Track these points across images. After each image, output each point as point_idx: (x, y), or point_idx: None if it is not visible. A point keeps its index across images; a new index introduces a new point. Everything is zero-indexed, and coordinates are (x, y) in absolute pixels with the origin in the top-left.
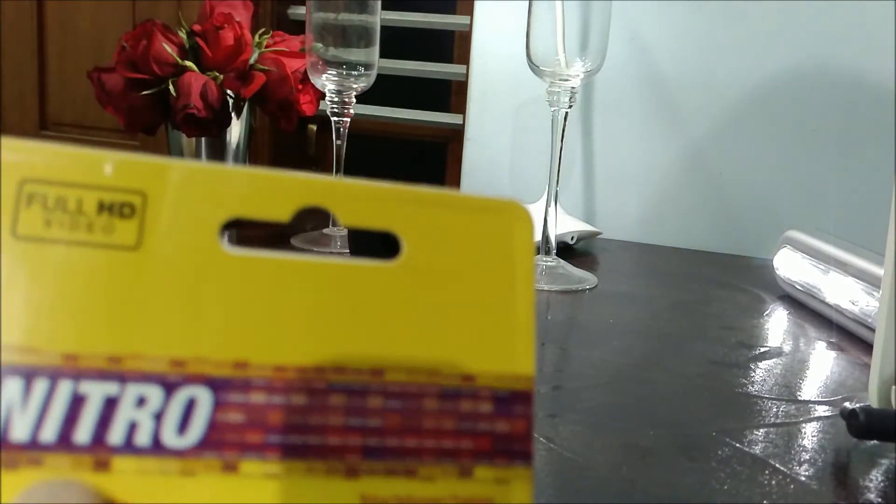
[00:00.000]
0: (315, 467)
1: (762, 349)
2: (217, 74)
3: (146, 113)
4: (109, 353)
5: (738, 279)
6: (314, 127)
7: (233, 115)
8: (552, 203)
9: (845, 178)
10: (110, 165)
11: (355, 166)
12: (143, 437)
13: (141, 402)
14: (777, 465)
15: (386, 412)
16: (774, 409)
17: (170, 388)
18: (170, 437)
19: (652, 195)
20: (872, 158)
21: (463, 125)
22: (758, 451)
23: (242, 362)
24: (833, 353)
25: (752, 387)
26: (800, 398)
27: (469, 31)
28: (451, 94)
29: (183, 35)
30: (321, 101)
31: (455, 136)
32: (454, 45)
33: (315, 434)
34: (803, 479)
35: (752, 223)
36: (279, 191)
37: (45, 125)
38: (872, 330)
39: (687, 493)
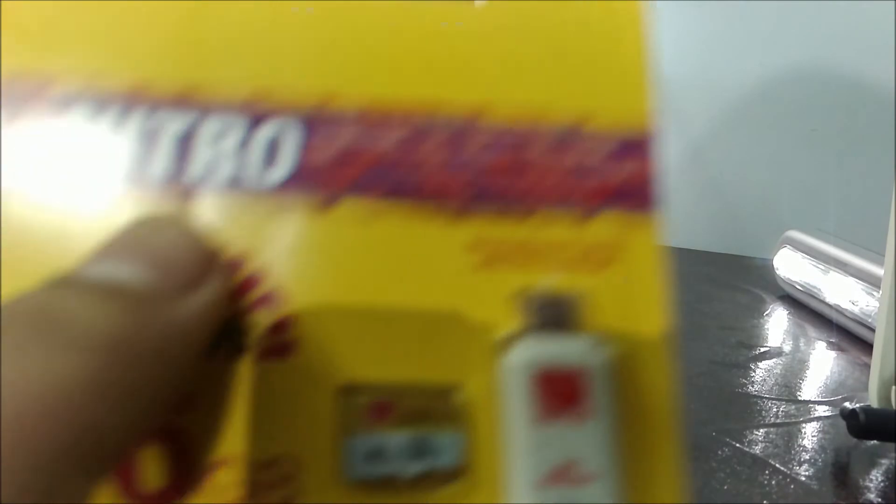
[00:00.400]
0: (419, 207)
1: (762, 349)
2: None
3: None
4: (183, 83)
5: (738, 279)
6: None
7: None
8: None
9: (845, 178)
10: None
11: None
12: (225, 172)
13: (221, 135)
14: (777, 465)
15: (492, 152)
16: (774, 409)
17: (253, 120)
18: (256, 173)
19: None
20: (872, 158)
21: None
22: (758, 451)
23: (331, 95)
24: (833, 353)
25: (752, 387)
26: (800, 398)
27: None
28: None
29: None
30: None
31: None
32: None
33: (415, 172)
34: (803, 479)
35: (752, 223)
36: None
37: None
38: (872, 330)
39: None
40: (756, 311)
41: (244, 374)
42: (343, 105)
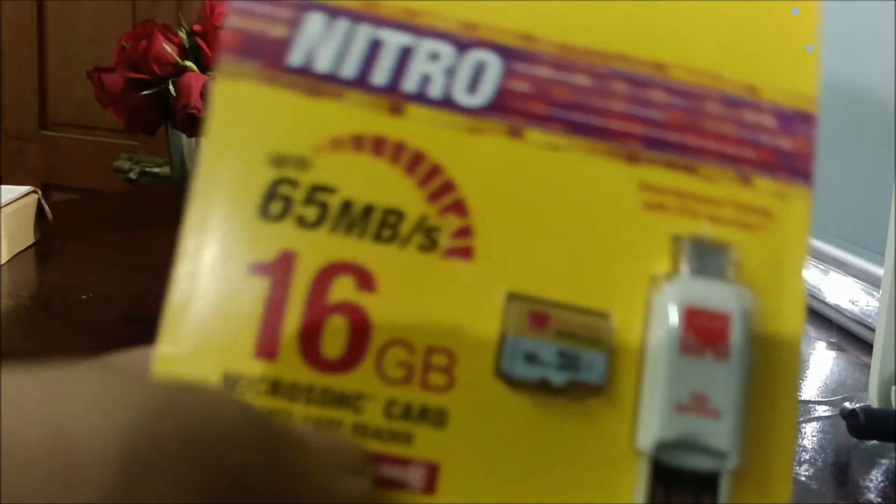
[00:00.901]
0: (597, 147)
1: None
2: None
3: (146, 113)
4: (406, 5)
5: None
6: None
7: None
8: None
9: (845, 178)
10: None
11: None
12: (435, 90)
13: (434, 57)
14: None
15: (668, 107)
16: None
17: (462, 47)
18: (461, 95)
19: None
20: (872, 158)
21: None
22: None
23: (529, 35)
24: (833, 353)
25: None
26: (800, 398)
27: None
28: None
29: (183, 35)
30: None
31: None
32: None
33: (597, 115)
34: (803, 479)
35: None
36: None
37: (45, 125)
38: (872, 330)
39: None
40: None
41: (426, 267)
42: (540, 46)
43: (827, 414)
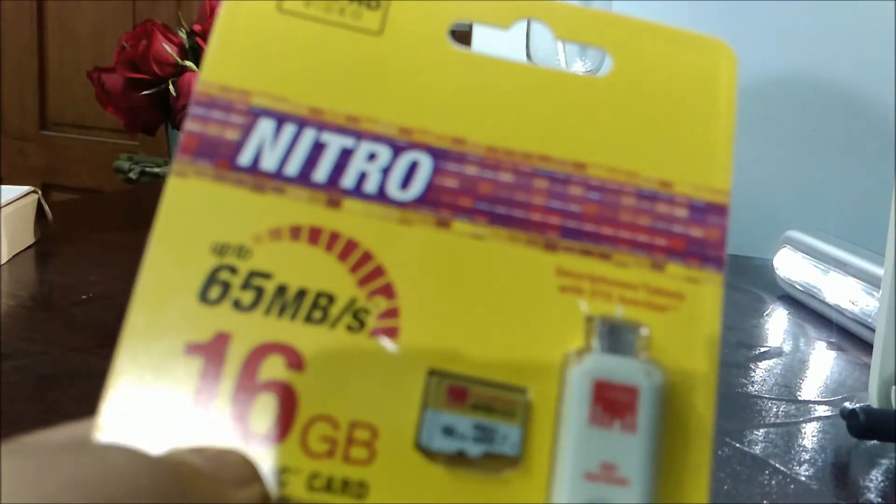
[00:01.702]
0: (517, 236)
1: (762, 349)
2: None
3: (146, 113)
4: (348, 113)
5: (738, 279)
6: None
7: None
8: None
9: (845, 178)
10: None
11: None
12: (370, 186)
13: (371, 157)
14: (777, 465)
15: (585, 201)
16: (774, 409)
17: (397, 150)
18: (393, 190)
19: None
20: (872, 158)
21: None
22: (758, 451)
23: (460, 139)
24: (833, 353)
25: (752, 387)
26: (800, 398)
27: (469, 31)
28: None
29: (183, 35)
30: None
31: None
32: None
33: (519, 209)
34: (803, 479)
35: (752, 223)
36: (503, 3)
37: (45, 125)
38: (872, 330)
39: None
40: (756, 311)
41: (353, 346)
42: (469, 148)
43: (827, 414)
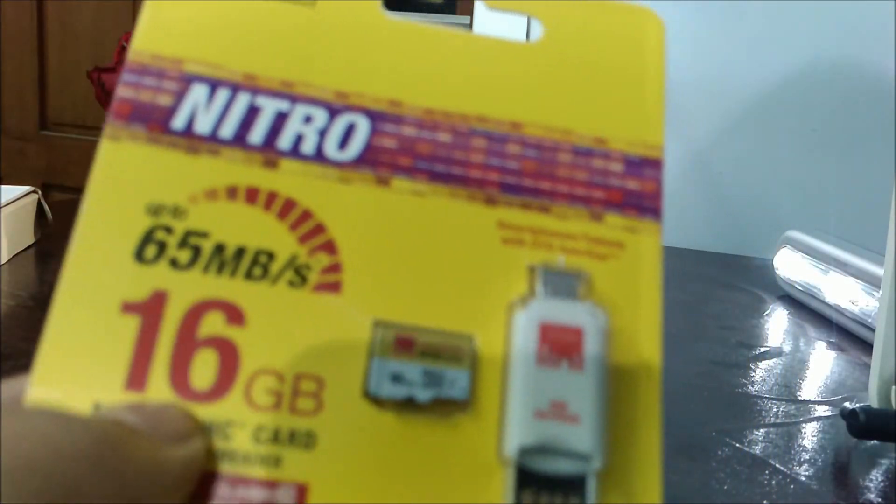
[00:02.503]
0: (457, 193)
1: (762, 349)
2: None
3: None
4: (283, 78)
5: (738, 279)
6: None
7: None
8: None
9: (845, 178)
10: None
11: None
12: (307, 147)
13: (308, 119)
14: (777, 465)
15: (523, 158)
16: (774, 409)
17: (333, 112)
18: (331, 151)
19: None
20: (872, 158)
21: None
22: (758, 451)
23: (397, 101)
24: (833, 353)
25: (752, 387)
26: (800, 398)
27: (469, 27)
28: None
29: None
30: None
31: None
32: None
33: (458, 166)
34: (803, 479)
35: (752, 223)
36: None
37: (45, 125)
38: (872, 330)
39: (687, 493)
40: (756, 311)
41: (296, 302)
42: (406, 110)
43: (827, 414)
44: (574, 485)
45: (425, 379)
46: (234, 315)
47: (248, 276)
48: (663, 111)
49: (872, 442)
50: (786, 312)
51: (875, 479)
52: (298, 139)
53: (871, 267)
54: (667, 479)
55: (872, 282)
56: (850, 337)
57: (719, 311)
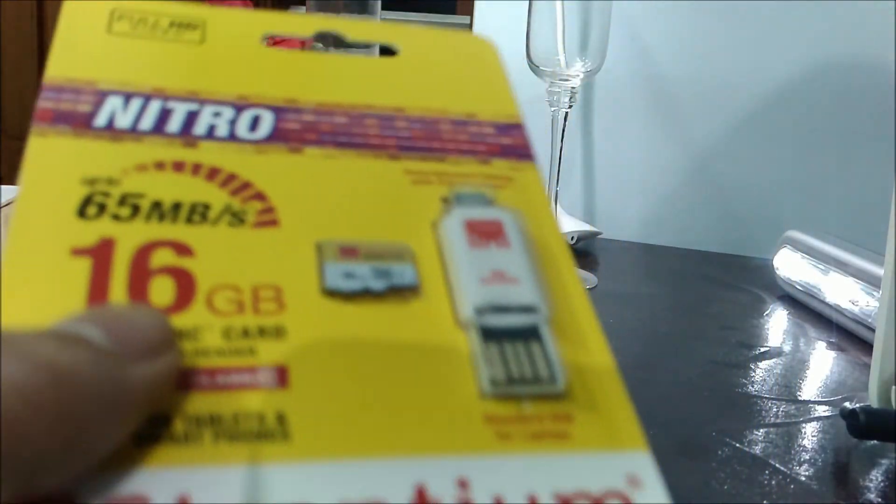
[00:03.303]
0: (363, 154)
1: (762, 349)
2: None
3: None
4: (189, 89)
5: (738, 279)
6: None
7: None
8: (552, 203)
9: (845, 178)
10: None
11: None
12: (221, 132)
13: (217, 114)
14: (777, 465)
15: (411, 129)
16: (774, 409)
17: (239, 108)
18: (243, 133)
19: (652, 195)
20: (872, 158)
21: None
22: (758, 451)
23: (293, 99)
24: (833, 353)
25: (752, 387)
26: (800, 398)
27: (469, 31)
28: None
29: None
30: None
31: None
32: None
33: (359, 137)
34: (803, 479)
35: (752, 223)
36: (299, 22)
37: None
38: (872, 330)
39: (687, 493)
40: (756, 311)
41: (238, 237)
42: (302, 104)
43: (827, 414)
44: (531, 334)
45: (375, 274)
46: (183, 250)
47: (189, 221)
48: (514, 98)
49: (872, 442)
50: (786, 312)
51: (875, 479)
52: (212, 128)
53: (871, 267)
54: (667, 480)
55: (872, 282)
56: (850, 337)
57: (719, 311)
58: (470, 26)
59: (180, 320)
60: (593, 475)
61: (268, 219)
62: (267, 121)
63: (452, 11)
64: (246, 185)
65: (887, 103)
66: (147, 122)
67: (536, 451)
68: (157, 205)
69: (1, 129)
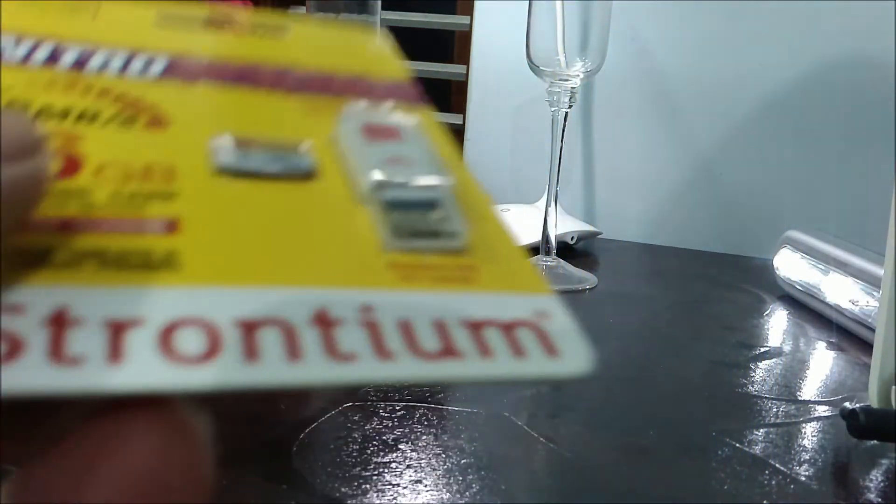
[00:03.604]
0: (258, 90)
1: (762, 349)
2: None
3: None
4: (82, 39)
5: (738, 279)
6: None
7: None
8: (552, 203)
9: (845, 178)
10: None
11: None
12: (114, 67)
13: (110, 56)
14: (777, 465)
15: (305, 80)
16: (774, 409)
17: (132, 54)
18: (136, 69)
19: (652, 195)
20: (872, 158)
21: (463, 125)
22: (758, 451)
23: (186, 51)
24: (833, 353)
25: (752, 387)
26: (800, 398)
27: (469, 31)
28: (451, 94)
29: None
30: None
31: (455, 136)
32: (454, 45)
33: (253, 79)
34: (803, 479)
35: (752, 223)
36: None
37: None
38: (872, 330)
39: (687, 493)
40: (756, 311)
41: (129, 135)
42: (195, 57)
43: (827, 414)
44: (432, 205)
45: (270, 159)
46: (71, 139)
47: (78, 121)
48: (406, 69)
49: (872, 442)
50: (786, 312)
51: (875, 479)
52: (105, 64)
53: (871, 267)
54: (667, 479)
55: (872, 282)
56: (850, 337)
57: (719, 311)
58: (470, 26)
59: (67, 184)
60: (501, 309)
61: (160, 121)
62: (160, 63)
63: (452, 11)
64: (137, 103)
65: (887, 103)
66: (39, 56)
67: (442, 289)
68: (44, 110)
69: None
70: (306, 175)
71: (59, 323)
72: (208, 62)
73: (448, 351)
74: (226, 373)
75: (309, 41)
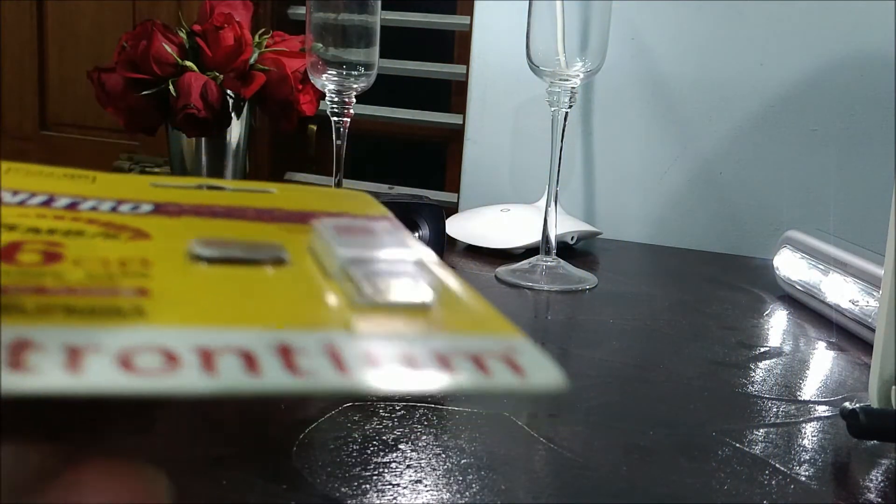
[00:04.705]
0: (239, 220)
1: (762, 349)
2: (217, 74)
3: (146, 113)
4: (74, 194)
5: (738, 279)
6: (314, 127)
7: (233, 115)
8: (552, 203)
9: (845, 178)
10: None
11: (355, 166)
12: (104, 209)
13: (99, 202)
14: (777, 465)
15: (287, 214)
16: (774, 409)
17: (120, 202)
18: (125, 211)
19: (652, 195)
20: (872, 158)
21: (463, 125)
22: (758, 451)
23: (174, 201)
24: (833, 353)
25: (752, 387)
26: (800, 398)
27: (469, 31)
28: (452, 94)
29: (183, 35)
30: (321, 101)
31: (455, 136)
32: (454, 45)
33: (236, 214)
34: (803, 479)
35: (752, 223)
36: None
37: (45, 125)
38: (872, 330)
39: (687, 493)
40: (756, 311)
41: (112, 245)
42: (181, 204)
43: (827, 414)
44: (402, 273)
45: (246, 248)
46: (55, 245)
47: (64, 236)
48: (386, 212)
49: (872, 442)
50: (786, 312)
51: (875, 479)
52: (94, 208)
53: (871, 267)
54: (667, 479)
55: (872, 282)
56: (850, 337)
57: (719, 311)
58: (470, 26)
59: (43, 268)
60: (469, 344)
61: (142, 233)
62: (147, 207)
63: (453, 11)
64: (123, 225)
65: (888, 103)
66: (35, 200)
67: (406, 331)
68: (33, 230)
69: (1, 128)
70: (278, 261)
71: (20, 347)
72: (196, 204)
73: (412, 365)
74: (183, 382)
75: (294, 193)
